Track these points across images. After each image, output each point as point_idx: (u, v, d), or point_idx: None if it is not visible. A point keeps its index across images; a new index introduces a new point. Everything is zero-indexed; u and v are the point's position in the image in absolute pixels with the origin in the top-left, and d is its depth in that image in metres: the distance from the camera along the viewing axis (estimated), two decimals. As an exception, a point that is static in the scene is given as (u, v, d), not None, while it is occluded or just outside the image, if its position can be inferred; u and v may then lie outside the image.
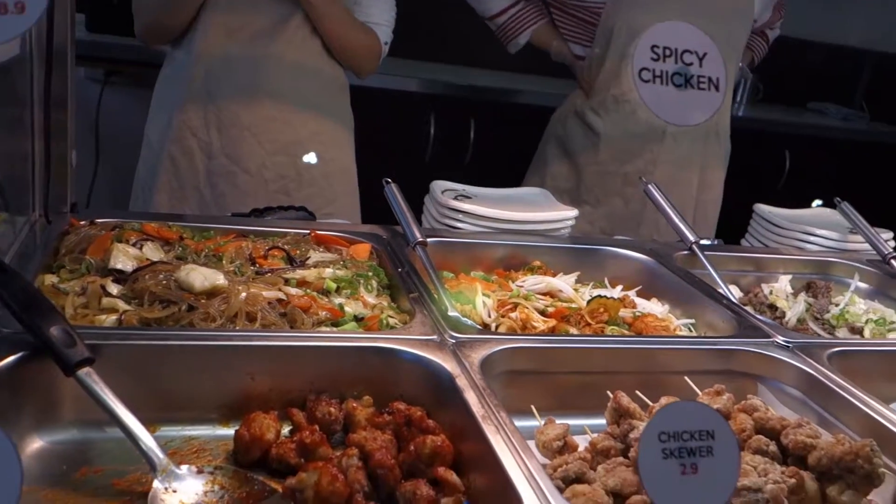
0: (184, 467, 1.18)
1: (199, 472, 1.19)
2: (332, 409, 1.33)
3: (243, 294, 1.48)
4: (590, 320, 1.77)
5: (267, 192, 2.51)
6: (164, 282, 1.49)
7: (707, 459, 1.00)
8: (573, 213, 2.25)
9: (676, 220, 2.19)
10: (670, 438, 0.99)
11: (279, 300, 1.54)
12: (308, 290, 1.61)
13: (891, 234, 2.47)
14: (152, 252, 1.64)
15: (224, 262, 1.65)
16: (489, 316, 1.80)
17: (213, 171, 2.49)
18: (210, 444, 1.31)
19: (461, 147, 4.15)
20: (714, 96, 1.06)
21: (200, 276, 1.48)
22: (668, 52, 1.06)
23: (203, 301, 1.45)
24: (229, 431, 1.31)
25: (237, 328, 1.43)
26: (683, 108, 1.05)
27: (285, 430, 1.33)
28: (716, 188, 3.11)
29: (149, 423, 1.20)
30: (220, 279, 1.49)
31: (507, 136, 4.29)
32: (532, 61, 4.73)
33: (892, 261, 2.29)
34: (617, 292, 1.96)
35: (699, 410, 1.02)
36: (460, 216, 2.16)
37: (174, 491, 1.15)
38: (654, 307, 1.92)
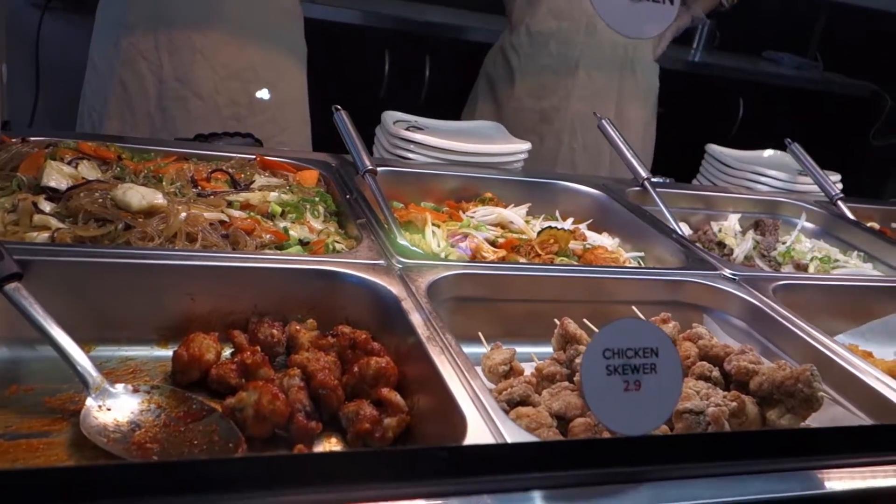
0: (119, 386, 1.15)
1: (135, 391, 1.16)
2: (275, 332, 1.30)
3: (183, 214, 1.43)
4: (539, 251, 1.76)
5: (220, 118, 2.42)
6: (101, 200, 1.42)
7: (650, 377, 0.99)
8: (526, 146, 2.22)
9: (629, 155, 2.18)
10: (614, 355, 0.98)
11: (221, 222, 1.49)
12: (252, 214, 1.57)
13: (839, 177, 2.50)
14: (88, 171, 1.57)
15: (164, 183, 1.59)
16: (438, 246, 1.77)
17: (163, 96, 2.40)
18: (147, 364, 1.27)
19: (416, 84, 4.07)
20: (668, 9, 1.03)
21: (138, 195, 1.43)
22: (624, -38, 1.04)
23: (140, 220, 1.40)
24: (168, 353, 1.27)
25: (176, 248, 1.38)
26: (637, 20, 1.02)
27: (226, 352, 1.30)
28: (636, 127, 2.99)
29: (83, 343, 1.16)
30: (158, 198, 1.44)
31: (462, 74, 4.22)
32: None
33: (839, 202, 2.32)
34: (568, 225, 1.94)
35: (644, 328, 1.01)
36: (412, 146, 2.11)
37: (108, 409, 1.11)
38: (605, 240, 1.92)
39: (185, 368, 1.22)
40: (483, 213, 1.90)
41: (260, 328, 1.30)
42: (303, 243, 1.54)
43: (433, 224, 1.82)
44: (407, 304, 1.31)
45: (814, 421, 1.31)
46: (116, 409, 1.12)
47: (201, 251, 1.38)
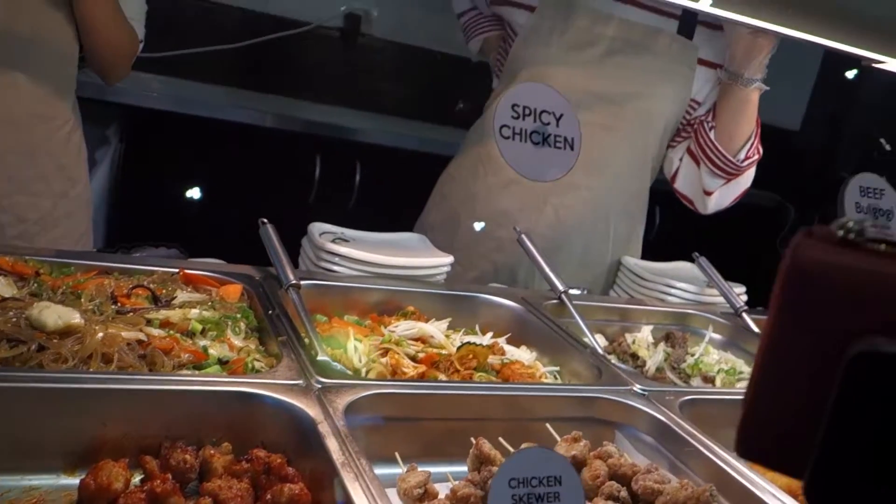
0: (21, 518, 1.12)
1: (38, 523, 1.13)
2: (188, 457, 1.29)
3: (100, 334, 1.42)
4: (459, 367, 1.80)
5: (3, 238, 2.13)
6: (14, 320, 1.41)
7: (555, 506, 1.03)
8: (449, 259, 2.29)
9: (547, 269, 2.26)
10: (520, 484, 1.02)
11: (139, 341, 1.49)
12: (171, 332, 1.57)
13: (743, 289, 2.63)
14: (4, 288, 1.55)
15: (83, 300, 1.58)
16: (360, 361, 1.80)
17: None
18: (52, 494, 1.24)
19: (346, 190, 4.16)
20: (569, 155, 1.12)
21: (54, 315, 1.42)
22: (527, 112, 1.12)
23: (55, 341, 1.39)
24: (75, 481, 1.25)
25: (90, 370, 1.37)
26: (540, 165, 1.10)
27: (136, 478, 1.28)
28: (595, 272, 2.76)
29: (-16, 471, 1.14)
30: (75, 318, 1.43)
31: (392, 181, 4.34)
32: (419, 108, 4.84)
33: (744, 314, 2.44)
34: (487, 339, 2.00)
35: (548, 457, 1.05)
36: (337, 259, 2.15)
37: (8, 544, 1.08)
38: (523, 354, 1.97)
39: (92, 499, 1.19)
40: (404, 327, 1.94)
41: (172, 453, 1.29)
42: (222, 362, 1.55)
43: (355, 338, 1.85)
44: (323, 428, 1.32)
45: (718, 538, 1.36)
46: (17, 543, 1.09)
47: (116, 373, 1.38)
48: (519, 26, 2.61)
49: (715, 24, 2.52)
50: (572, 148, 1.12)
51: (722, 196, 2.64)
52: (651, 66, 2.53)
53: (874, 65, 2.30)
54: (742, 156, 2.50)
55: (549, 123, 1.12)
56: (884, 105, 5.29)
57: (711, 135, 2.49)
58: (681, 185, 2.70)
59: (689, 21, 2.52)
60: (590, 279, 2.69)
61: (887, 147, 5.16)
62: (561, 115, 1.11)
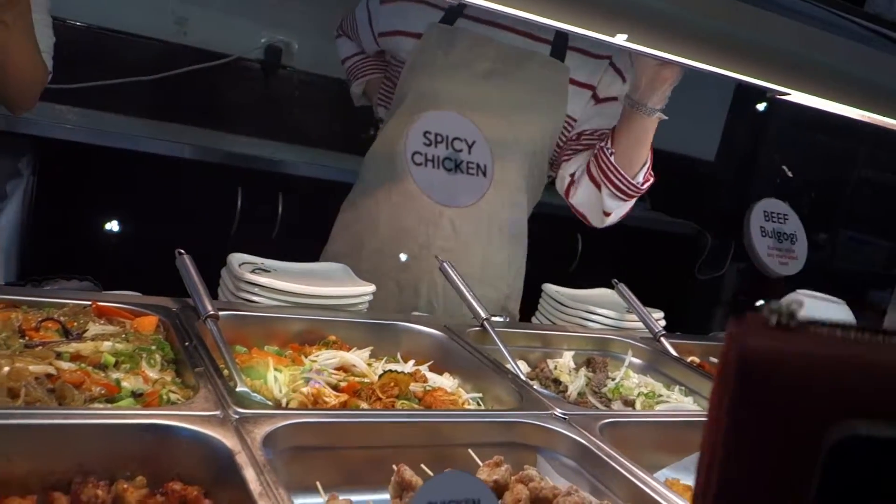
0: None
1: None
2: (100, 492, 1.25)
3: (6, 368, 1.37)
4: (381, 395, 1.79)
5: None
6: (-88, 356, 1.35)
7: (473, 527, 1.03)
8: (371, 288, 2.29)
9: (469, 297, 2.28)
10: (438, 508, 1.02)
11: (49, 375, 1.44)
12: (83, 365, 1.52)
13: (661, 314, 2.71)
14: None
15: (-12, 334, 1.53)
16: (280, 391, 1.77)
17: None
18: (-48, 535, 1.19)
19: (269, 221, 4.12)
20: (482, 181, 1.15)
21: (-45, 350, 1.37)
22: (439, 139, 1.15)
23: (-44, 377, 1.33)
24: (-23, 520, 1.20)
25: (-6, 406, 1.32)
26: (453, 191, 1.13)
27: (45, 516, 1.23)
28: (501, 272, 2.82)
29: None
30: (-22, 353, 1.38)
31: (315, 211, 4.32)
32: (341, 139, 4.85)
33: (662, 338, 2.51)
34: (409, 367, 2.00)
35: (465, 480, 1.06)
36: (256, 290, 2.13)
37: None
38: (445, 381, 1.98)
39: (-4, 538, 1.15)
40: (326, 356, 1.93)
41: (83, 489, 1.25)
42: (136, 395, 1.51)
43: (275, 369, 1.83)
44: (241, 458, 1.30)
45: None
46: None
47: (23, 408, 1.33)
48: (407, 53, 2.73)
49: (587, 51, 2.67)
50: (485, 174, 1.15)
51: (615, 215, 2.76)
52: (526, 86, 2.66)
53: (779, 97, 2.43)
54: (640, 179, 2.62)
55: (461, 150, 1.14)
56: (789, 135, 5.57)
57: (612, 159, 2.58)
58: (578, 203, 2.77)
59: (561, 45, 2.67)
60: (493, 296, 2.74)
61: (789, 174, 5.43)
62: (473, 143, 1.13)
